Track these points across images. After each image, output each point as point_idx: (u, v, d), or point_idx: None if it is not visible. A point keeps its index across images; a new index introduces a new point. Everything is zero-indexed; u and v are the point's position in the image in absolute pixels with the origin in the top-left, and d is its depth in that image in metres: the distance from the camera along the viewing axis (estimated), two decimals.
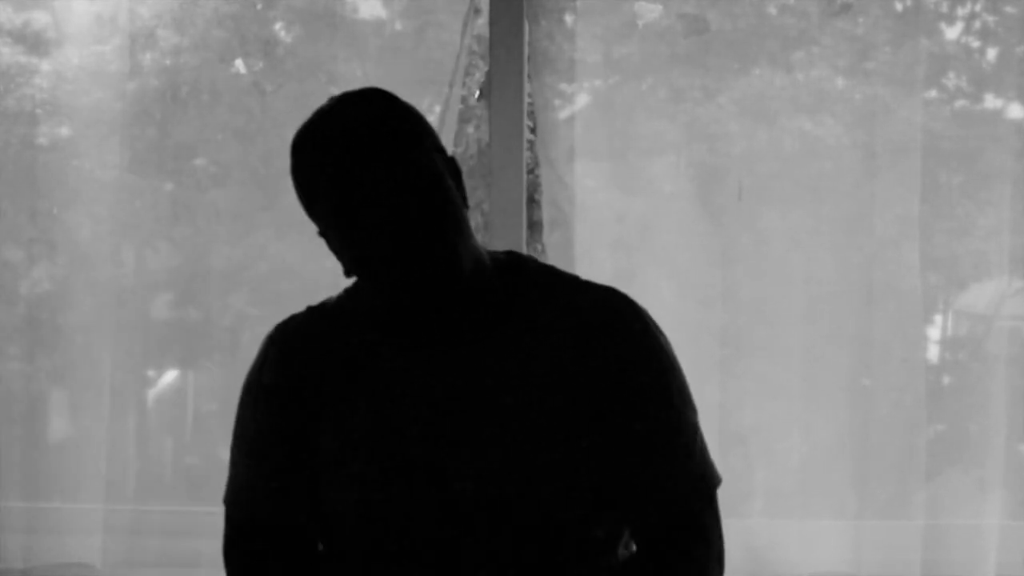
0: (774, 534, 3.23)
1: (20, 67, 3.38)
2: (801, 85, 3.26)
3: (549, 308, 1.91)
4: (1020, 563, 3.23)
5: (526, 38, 3.29)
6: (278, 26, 3.40)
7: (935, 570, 3.19)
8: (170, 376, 3.46)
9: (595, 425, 1.86)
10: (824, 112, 3.25)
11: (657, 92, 3.28)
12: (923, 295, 3.23)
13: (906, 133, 3.22)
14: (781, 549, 3.22)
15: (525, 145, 3.30)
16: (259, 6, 3.39)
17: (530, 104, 3.30)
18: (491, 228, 3.27)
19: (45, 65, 3.37)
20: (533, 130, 3.32)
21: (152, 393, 3.44)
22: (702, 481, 1.91)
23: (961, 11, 3.29)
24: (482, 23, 3.34)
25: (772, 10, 3.29)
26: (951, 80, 3.29)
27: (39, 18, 3.38)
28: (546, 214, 3.27)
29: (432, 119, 3.19)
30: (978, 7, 3.29)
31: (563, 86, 3.31)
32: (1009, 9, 3.25)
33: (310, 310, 1.99)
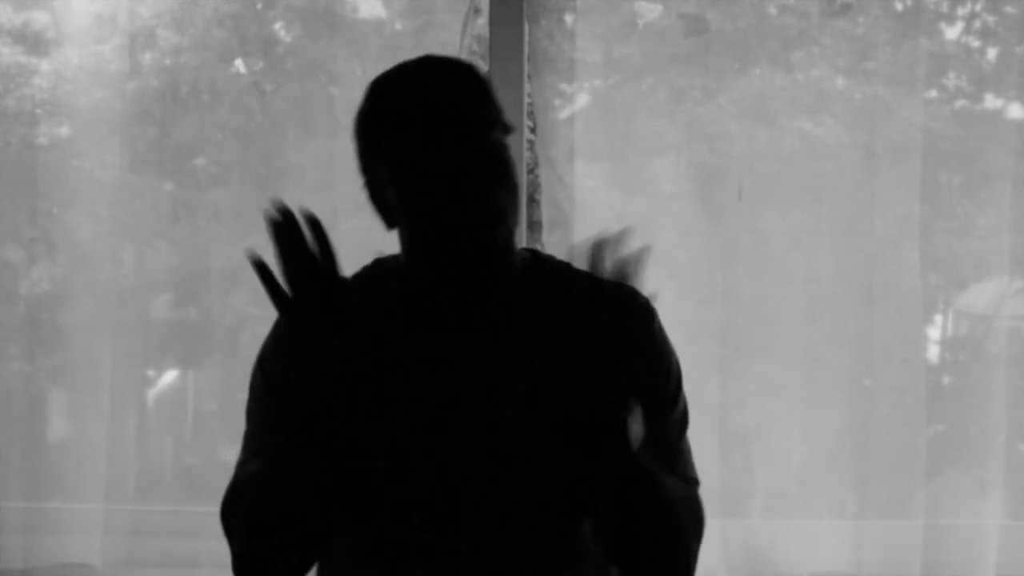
0: (774, 534, 3.23)
1: (20, 67, 3.37)
2: (801, 85, 3.26)
3: (564, 301, 1.93)
4: (1020, 563, 3.23)
5: (526, 38, 3.29)
6: (278, 26, 3.40)
7: (935, 570, 3.19)
8: (170, 376, 3.46)
9: (596, 415, 1.86)
10: (824, 112, 3.25)
11: (657, 92, 3.28)
12: (923, 295, 3.23)
13: (906, 133, 3.22)
14: (781, 549, 3.21)
15: (525, 145, 3.30)
16: (259, 6, 3.39)
17: (530, 104, 3.30)
18: None
19: (45, 65, 3.37)
20: (533, 130, 3.32)
21: (152, 393, 3.44)
22: (677, 460, 1.92)
23: (961, 11, 3.29)
24: (482, 23, 3.34)
25: (772, 10, 3.29)
26: (951, 80, 3.29)
27: (39, 18, 3.38)
28: (546, 214, 3.27)
29: None
30: (978, 7, 3.29)
31: (563, 86, 3.31)
32: (1009, 9, 3.25)
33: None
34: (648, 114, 3.28)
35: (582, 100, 3.33)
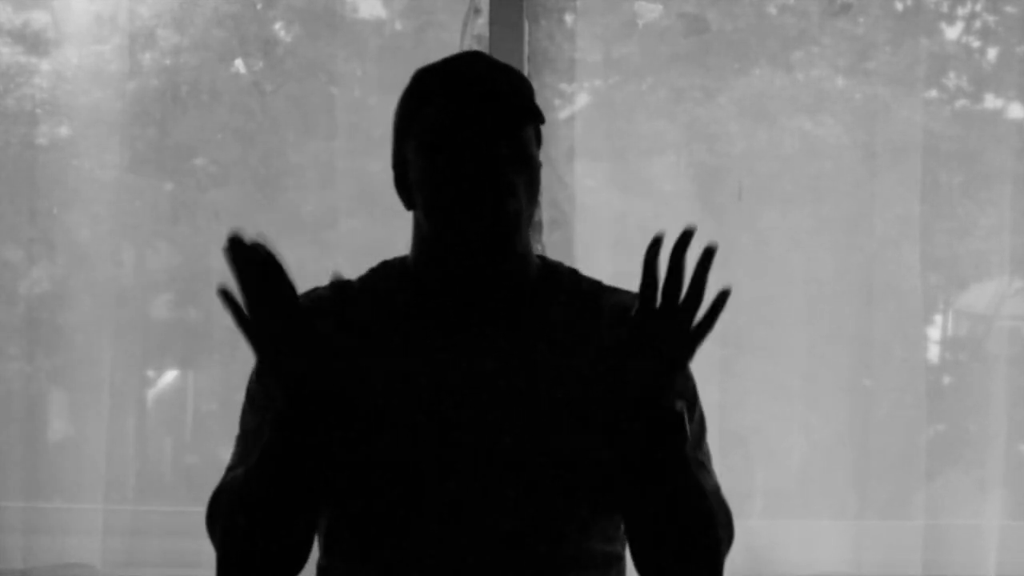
0: (774, 534, 3.23)
1: (20, 67, 3.37)
2: (801, 85, 3.26)
3: (573, 309, 1.94)
4: (1020, 563, 3.23)
5: (526, 38, 3.29)
6: (278, 26, 3.40)
7: (935, 570, 3.19)
8: (170, 376, 3.46)
9: (602, 423, 1.86)
10: (824, 112, 3.25)
11: (657, 92, 3.28)
12: (923, 295, 3.23)
13: (906, 133, 3.22)
14: (782, 549, 3.21)
15: None
16: (259, 6, 3.39)
17: None
18: None
19: (45, 65, 3.37)
20: None
21: (152, 393, 3.43)
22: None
23: (961, 11, 3.29)
24: (482, 23, 3.34)
25: (772, 10, 3.29)
26: (951, 80, 3.28)
27: (39, 18, 3.37)
28: (546, 214, 3.27)
29: None
30: (978, 7, 3.29)
31: (563, 86, 3.31)
32: (1009, 9, 3.25)
33: (333, 285, 2.00)
34: (648, 114, 3.28)
35: (582, 100, 3.33)
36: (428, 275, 1.93)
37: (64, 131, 3.36)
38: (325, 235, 3.34)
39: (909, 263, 3.23)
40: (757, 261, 3.24)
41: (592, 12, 3.29)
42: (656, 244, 1.77)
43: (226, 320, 3.37)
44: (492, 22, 3.30)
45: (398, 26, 3.39)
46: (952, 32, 3.29)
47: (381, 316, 1.93)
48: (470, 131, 1.85)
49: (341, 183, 3.32)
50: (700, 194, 3.26)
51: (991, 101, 3.29)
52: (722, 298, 1.78)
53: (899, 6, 3.27)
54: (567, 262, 3.17)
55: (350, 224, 3.33)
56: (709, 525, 1.87)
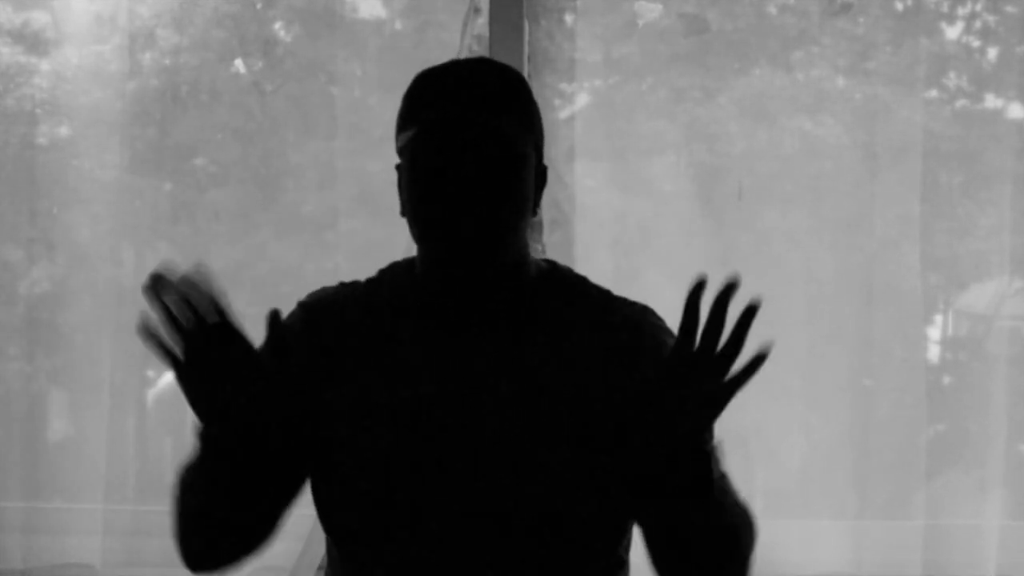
0: (775, 534, 3.22)
1: (19, 67, 3.37)
2: (801, 85, 3.26)
3: (578, 318, 1.93)
4: (1020, 563, 3.23)
5: (526, 38, 3.29)
6: (278, 26, 3.40)
7: (935, 570, 3.19)
8: (170, 376, 3.45)
9: (606, 435, 1.86)
10: (824, 112, 3.25)
11: (657, 92, 3.28)
12: (923, 295, 3.23)
13: (906, 133, 3.22)
14: (782, 549, 3.21)
15: None
16: (259, 6, 3.39)
17: None
18: None
19: (44, 65, 3.37)
20: None
21: (152, 393, 3.44)
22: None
23: (961, 11, 3.29)
24: (482, 23, 3.33)
25: (772, 10, 3.29)
26: (951, 80, 3.29)
27: (38, 18, 3.37)
28: (546, 214, 3.27)
29: None
30: (978, 7, 3.29)
31: (563, 86, 3.31)
32: (1009, 9, 3.25)
33: (342, 285, 2.01)
34: (648, 114, 3.28)
35: (582, 100, 3.33)
36: (426, 277, 1.93)
37: (64, 131, 3.36)
38: (325, 235, 3.34)
39: (909, 263, 3.23)
40: (757, 261, 3.24)
41: (592, 12, 3.29)
42: (700, 287, 1.77)
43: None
44: (492, 22, 3.30)
45: (398, 26, 3.39)
46: (952, 32, 3.29)
47: (385, 316, 1.93)
48: (450, 166, 1.83)
49: (341, 183, 3.32)
50: (700, 194, 3.26)
51: (991, 101, 3.29)
52: (761, 357, 1.77)
53: (899, 6, 3.27)
54: (567, 262, 3.18)
55: (350, 224, 3.33)
56: (733, 545, 1.87)
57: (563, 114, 3.29)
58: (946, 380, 3.32)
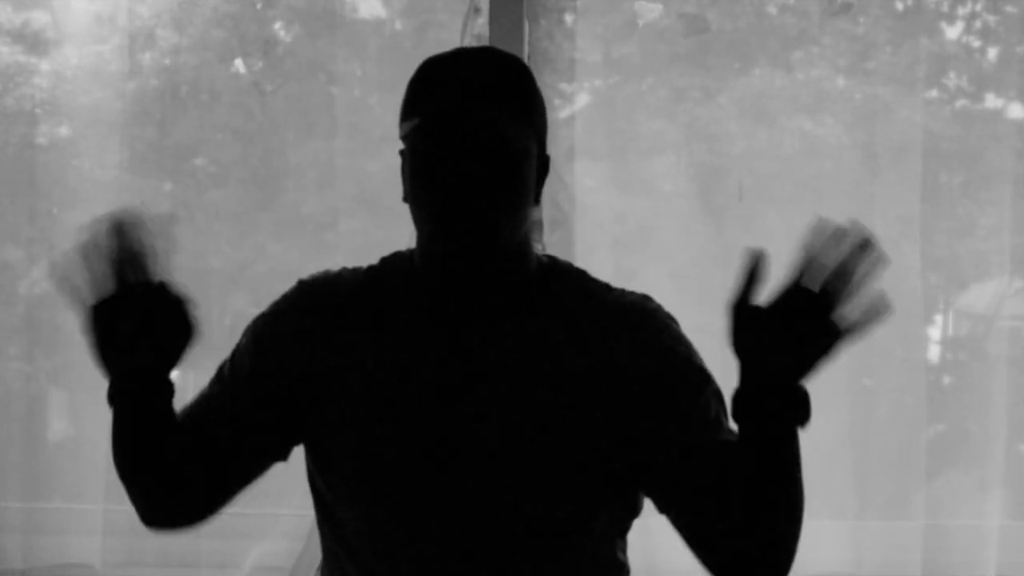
0: None
1: (19, 67, 3.37)
2: (801, 85, 3.26)
3: (578, 309, 1.93)
4: (1020, 563, 3.23)
5: (526, 38, 3.29)
6: (277, 26, 3.40)
7: (935, 570, 3.19)
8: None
9: (605, 425, 1.86)
10: (824, 112, 3.25)
11: (657, 92, 3.28)
12: (924, 295, 3.23)
13: (907, 133, 3.22)
14: None
15: None
16: (259, 6, 3.39)
17: None
18: None
19: (44, 65, 3.37)
20: None
21: None
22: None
23: (962, 11, 3.29)
24: (482, 23, 3.33)
25: (772, 10, 3.29)
26: (952, 80, 3.28)
27: (38, 18, 3.37)
28: (546, 214, 3.26)
29: None
30: (979, 7, 3.28)
31: (563, 86, 3.30)
32: (1010, 9, 3.25)
33: (343, 270, 2.01)
34: (648, 114, 3.28)
35: (582, 100, 3.33)
36: (425, 269, 1.93)
37: (64, 131, 3.36)
38: (325, 235, 3.34)
39: (909, 263, 3.22)
40: None
41: (592, 12, 3.29)
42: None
43: (226, 320, 3.38)
44: (492, 21, 3.29)
45: (398, 26, 3.39)
46: (952, 32, 3.29)
47: (383, 306, 1.94)
48: (451, 153, 1.83)
49: (341, 183, 3.31)
50: (700, 194, 3.26)
51: (991, 101, 3.29)
52: (881, 309, 1.76)
53: (899, 6, 3.27)
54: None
55: (350, 224, 3.32)
56: (798, 505, 1.90)
57: (563, 114, 3.29)
58: (946, 380, 3.32)
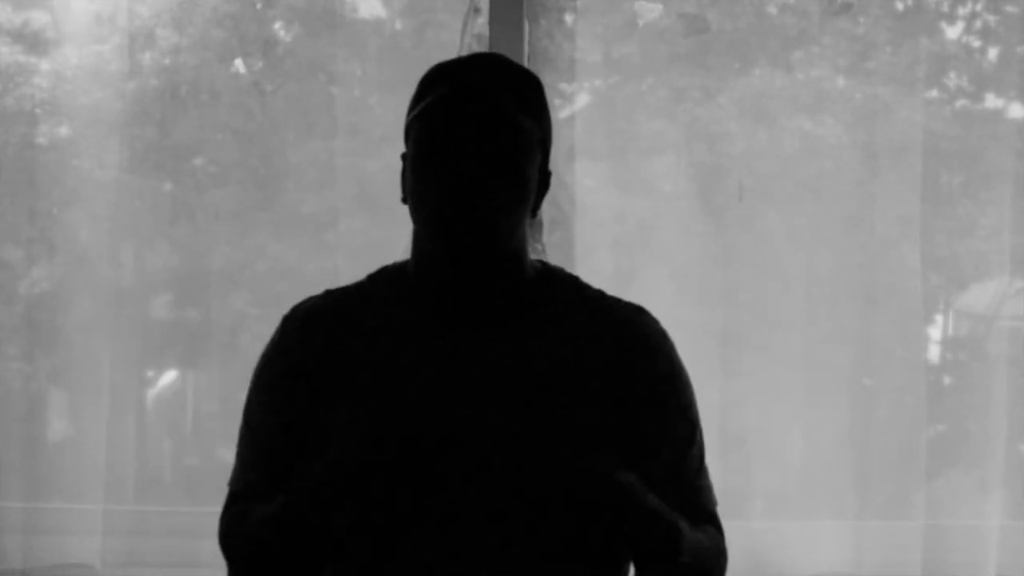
0: (775, 535, 3.23)
1: (19, 66, 3.37)
2: (801, 85, 3.26)
3: (573, 317, 1.93)
4: (1021, 563, 3.23)
5: (526, 38, 3.29)
6: (277, 26, 3.40)
7: (936, 570, 3.19)
8: (169, 376, 3.45)
9: (597, 434, 1.86)
10: (824, 112, 3.25)
11: (657, 92, 3.28)
12: (924, 295, 3.23)
13: (907, 133, 3.22)
14: (782, 550, 3.21)
15: None
16: (258, 5, 3.39)
17: None
18: None
19: (44, 64, 3.37)
20: None
21: (151, 393, 3.43)
22: (700, 495, 1.94)
23: (962, 11, 3.29)
24: (482, 23, 3.33)
25: (772, 10, 3.29)
26: (952, 80, 3.28)
27: (38, 17, 3.37)
28: (546, 214, 3.26)
29: None
30: (979, 7, 3.28)
31: (563, 86, 3.30)
32: (1010, 9, 3.25)
33: (328, 293, 2.00)
34: (648, 114, 3.28)
35: (582, 100, 3.33)
36: (422, 275, 1.93)
37: (64, 131, 3.36)
38: (325, 235, 3.34)
39: (909, 263, 3.22)
40: (757, 261, 3.24)
41: (592, 12, 3.29)
42: None
43: (226, 320, 3.39)
44: (492, 21, 3.29)
45: (398, 26, 3.39)
46: (952, 32, 3.29)
47: (376, 322, 1.93)
48: (454, 142, 1.84)
49: (341, 183, 3.32)
50: (700, 194, 3.26)
51: (992, 101, 3.29)
52: None
53: (899, 6, 3.27)
54: (567, 262, 3.18)
55: (350, 224, 3.32)
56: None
57: (563, 114, 3.29)
58: (946, 380, 3.32)
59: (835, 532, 3.22)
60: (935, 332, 3.32)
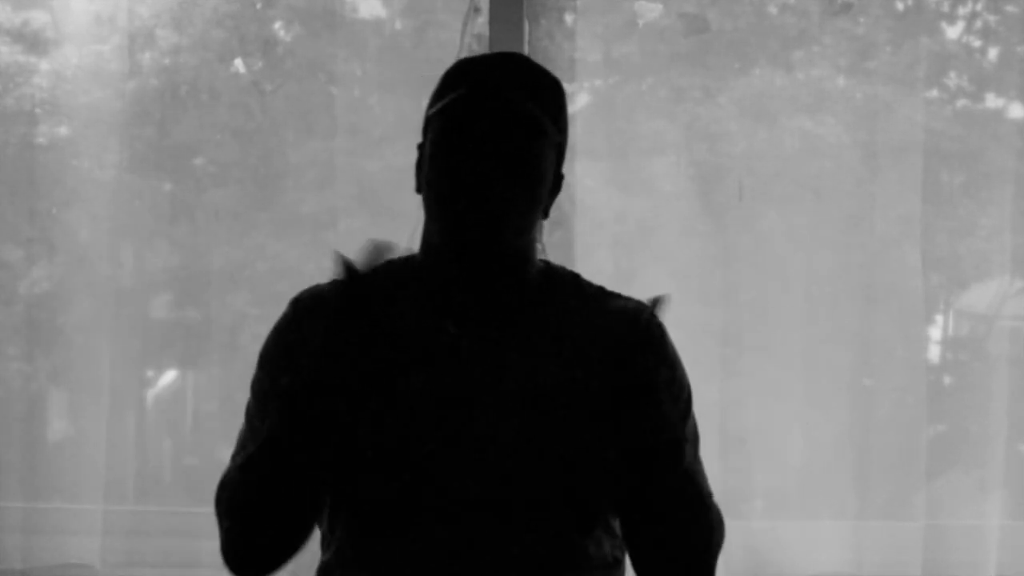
0: (775, 535, 3.23)
1: (19, 66, 3.37)
2: (801, 84, 3.26)
3: (576, 314, 1.94)
4: (1021, 563, 3.23)
5: (526, 37, 3.29)
6: (277, 25, 3.40)
7: (936, 570, 3.19)
8: (169, 376, 3.45)
9: (598, 429, 1.87)
10: (825, 112, 3.25)
11: (657, 92, 3.28)
12: (924, 295, 3.23)
13: (907, 133, 3.22)
14: (782, 550, 3.21)
15: None
16: (258, 5, 3.39)
17: None
18: None
19: (44, 64, 3.37)
20: None
21: (151, 393, 3.43)
22: (696, 478, 1.93)
23: (962, 10, 3.29)
24: (482, 22, 3.33)
25: (772, 9, 3.29)
26: (952, 80, 3.28)
27: (38, 17, 3.37)
28: None
29: None
30: (979, 6, 3.28)
31: (563, 86, 3.30)
32: (1010, 8, 3.25)
33: (334, 282, 2.00)
34: (648, 114, 3.28)
35: (582, 100, 3.33)
36: (428, 268, 1.93)
37: (63, 131, 3.36)
38: (325, 235, 3.34)
39: (910, 263, 3.22)
40: (757, 261, 3.24)
41: (592, 11, 3.29)
42: None
43: (226, 320, 3.38)
44: (492, 21, 3.29)
45: (398, 25, 3.39)
46: (953, 32, 3.29)
47: (383, 315, 1.93)
48: (473, 139, 1.85)
49: (341, 183, 3.32)
50: (700, 194, 3.26)
51: (992, 101, 3.29)
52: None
53: (900, 6, 3.27)
54: (567, 262, 3.18)
55: (350, 224, 3.32)
56: (707, 525, 1.89)
57: None
58: (947, 380, 3.32)
59: (835, 532, 3.22)
60: (935, 332, 3.32)
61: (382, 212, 3.28)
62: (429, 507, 1.86)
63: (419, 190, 1.92)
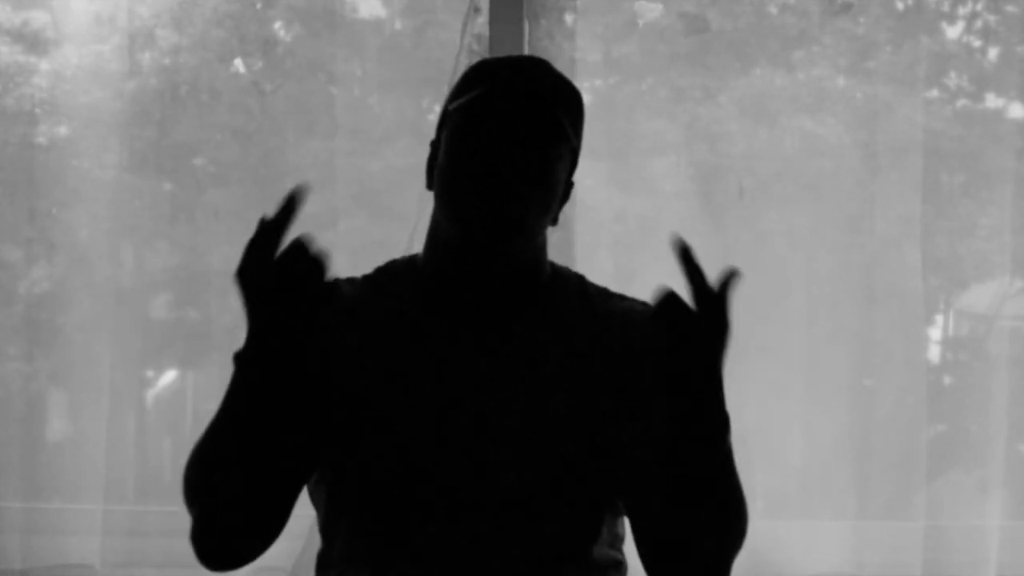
0: (775, 535, 3.23)
1: (19, 66, 3.37)
2: (802, 84, 3.26)
3: (582, 315, 1.94)
4: (1021, 563, 3.23)
5: (526, 37, 3.29)
6: (277, 25, 3.40)
7: (936, 571, 3.19)
8: (169, 376, 3.45)
9: (606, 429, 1.87)
10: (825, 112, 3.25)
11: (657, 92, 3.28)
12: (924, 295, 3.23)
13: (907, 133, 3.22)
14: (782, 550, 3.21)
15: None
16: (258, 5, 3.39)
17: None
18: None
19: (44, 64, 3.37)
20: None
21: (151, 393, 3.43)
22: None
23: (962, 10, 3.29)
24: (482, 22, 3.33)
25: (772, 9, 3.29)
26: (952, 80, 3.28)
27: (38, 17, 3.37)
28: None
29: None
30: (979, 6, 3.28)
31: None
32: (1010, 8, 3.25)
33: (338, 280, 2.00)
34: (648, 114, 3.28)
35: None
36: (435, 269, 1.93)
37: (63, 131, 3.36)
38: (325, 235, 3.33)
39: (910, 263, 3.22)
40: (757, 261, 3.24)
41: (592, 11, 3.29)
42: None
43: (225, 320, 3.38)
44: (492, 21, 3.29)
45: (398, 25, 3.39)
46: (953, 32, 3.29)
47: (387, 313, 1.93)
48: (491, 139, 1.85)
49: (341, 183, 3.31)
50: (700, 194, 3.26)
51: (992, 101, 3.29)
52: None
53: (900, 5, 3.27)
54: (567, 262, 3.17)
55: (350, 224, 3.32)
56: (739, 511, 1.90)
57: None
58: (947, 380, 3.32)
59: (835, 532, 3.22)
60: (935, 332, 3.32)
61: (382, 212, 3.28)
62: (429, 506, 1.86)
63: (430, 186, 1.92)
